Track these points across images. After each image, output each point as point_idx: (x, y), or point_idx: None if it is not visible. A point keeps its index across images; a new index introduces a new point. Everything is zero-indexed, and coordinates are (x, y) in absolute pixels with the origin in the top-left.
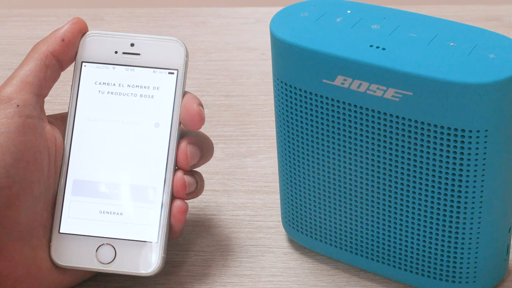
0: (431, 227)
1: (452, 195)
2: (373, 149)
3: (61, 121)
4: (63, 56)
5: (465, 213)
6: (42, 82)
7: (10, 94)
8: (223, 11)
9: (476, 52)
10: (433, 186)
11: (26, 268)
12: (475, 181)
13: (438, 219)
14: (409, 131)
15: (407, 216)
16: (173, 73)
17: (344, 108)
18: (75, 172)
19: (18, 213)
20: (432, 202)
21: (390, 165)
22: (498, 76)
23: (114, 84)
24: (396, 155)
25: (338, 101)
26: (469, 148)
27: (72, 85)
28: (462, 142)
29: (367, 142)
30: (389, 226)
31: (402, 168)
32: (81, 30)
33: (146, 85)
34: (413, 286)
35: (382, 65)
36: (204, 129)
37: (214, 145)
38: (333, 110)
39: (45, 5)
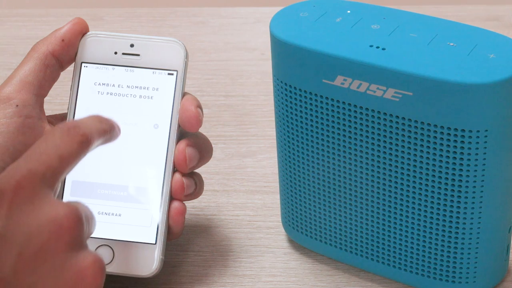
0: (431, 227)
1: (452, 195)
2: (373, 149)
3: (61, 121)
4: (63, 56)
5: (465, 213)
6: (41, 82)
7: (10, 94)
8: (223, 11)
9: (476, 52)
10: (433, 186)
11: None
12: (475, 181)
13: (438, 219)
14: (409, 131)
15: (407, 216)
16: (172, 74)
17: (344, 108)
18: (74, 173)
19: None
20: (432, 202)
21: (390, 165)
22: (498, 76)
23: (113, 85)
24: (396, 155)
25: (338, 101)
26: (469, 148)
27: (71, 86)
28: (462, 142)
29: (367, 142)
30: (389, 226)
31: (402, 168)
32: (82, 31)
33: (145, 86)
34: (413, 286)
35: (382, 65)
36: (204, 129)
37: (214, 145)
38: (333, 110)
39: (45, 5)
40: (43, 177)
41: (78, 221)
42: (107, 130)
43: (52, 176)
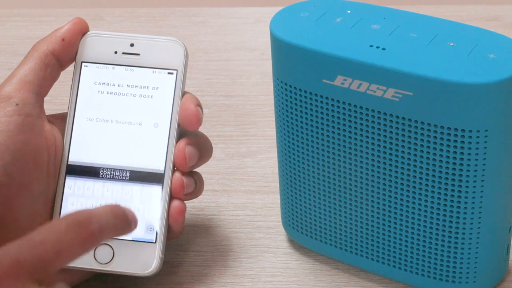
0: (431, 227)
1: (452, 195)
2: (373, 149)
3: (61, 120)
4: (63, 56)
5: (465, 213)
6: (41, 81)
7: (10, 92)
8: (223, 11)
9: (476, 52)
10: (433, 186)
11: None
12: (475, 181)
13: (438, 219)
14: (409, 131)
15: (407, 216)
16: (172, 74)
17: (344, 108)
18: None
19: (17, 212)
20: (432, 202)
21: (390, 165)
22: (498, 76)
23: (113, 84)
24: (396, 155)
25: (338, 101)
26: (469, 148)
27: (72, 85)
28: (462, 142)
29: (367, 142)
30: (389, 226)
31: (402, 168)
32: (82, 30)
33: (145, 85)
34: (413, 286)
35: (382, 65)
36: (204, 129)
37: (214, 145)
38: (333, 110)
39: (45, 5)
40: (32, 270)
41: None
42: (119, 229)
43: (43, 271)
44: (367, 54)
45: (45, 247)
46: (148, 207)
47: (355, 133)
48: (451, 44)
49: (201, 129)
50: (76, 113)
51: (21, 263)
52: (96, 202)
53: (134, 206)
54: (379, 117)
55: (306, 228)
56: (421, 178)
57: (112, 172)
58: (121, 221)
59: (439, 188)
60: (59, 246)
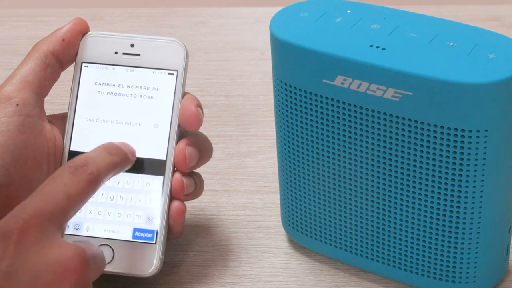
0: (431, 227)
1: (452, 195)
2: (373, 149)
3: (61, 120)
4: (63, 56)
5: (465, 213)
6: (42, 81)
7: (10, 93)
8: (223, 11)
9: (476, 52)
10: (433, 186)
11: None
12: (475, 181)
13: (438, 219)
14: (409, 131)
15: (407, 216)
16: (172, 74)
17: (344, 108)
18: None
19: None
20: (432, 202)
21: (390, 165)
22: (498, 76)
23: (114, 85)
24: (396, 155)
25: (338, 101)
26: (469, 148)
27: (72, 85)
28: (462, 142)
29: (367, 142)
30: (389, 226)
31: (402, 168)
32: (82, 31)
33: (145, 86)
34: (413, 286)
35: (382, 65)
36: (204, 129)
37: (214, 145)
38: (333, 110)
39: (45, 5)
40: (51, 217)
41: (84, 264)
42: (117, 162)
43: (60, 215)
44: (367, 54)
45: (56, 194)
46: (148, 207)
47: (355, 133)
48: (451, 44)
49: (201, 129)
50: (76, 113)
51: (39, 211)
52: (95, 202)
53: (134, 206)
54: (379, 117)
55: (306, 228)
56: (421, 178)
57: None
58: (117, 156)
59: (439, 188)
60: (67, 192)
